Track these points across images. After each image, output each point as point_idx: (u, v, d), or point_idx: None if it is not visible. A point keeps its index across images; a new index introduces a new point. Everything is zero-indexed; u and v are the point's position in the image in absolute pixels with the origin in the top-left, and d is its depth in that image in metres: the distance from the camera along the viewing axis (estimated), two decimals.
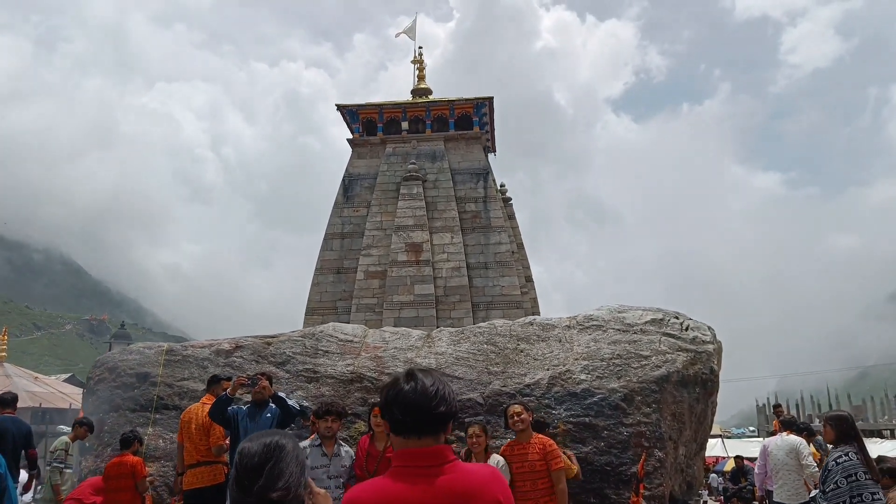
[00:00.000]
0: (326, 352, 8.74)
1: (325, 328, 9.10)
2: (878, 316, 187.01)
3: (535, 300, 23.89)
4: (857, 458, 4.83)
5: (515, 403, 6.12)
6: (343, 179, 23.00)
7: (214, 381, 7.40)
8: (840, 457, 4.90)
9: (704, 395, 8.86)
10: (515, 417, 5.86)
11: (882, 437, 30.86)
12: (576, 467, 7.05)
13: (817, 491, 5.25)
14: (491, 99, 23.69)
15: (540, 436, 6.06)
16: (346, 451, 6.03)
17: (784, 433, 8.13)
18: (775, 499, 8.22)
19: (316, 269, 22.04)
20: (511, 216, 24.68)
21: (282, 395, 6.51)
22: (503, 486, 2.07)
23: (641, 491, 7.94)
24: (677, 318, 9.39)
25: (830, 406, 48.50)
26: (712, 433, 14.29)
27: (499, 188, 24.56)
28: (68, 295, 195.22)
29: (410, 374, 2.14)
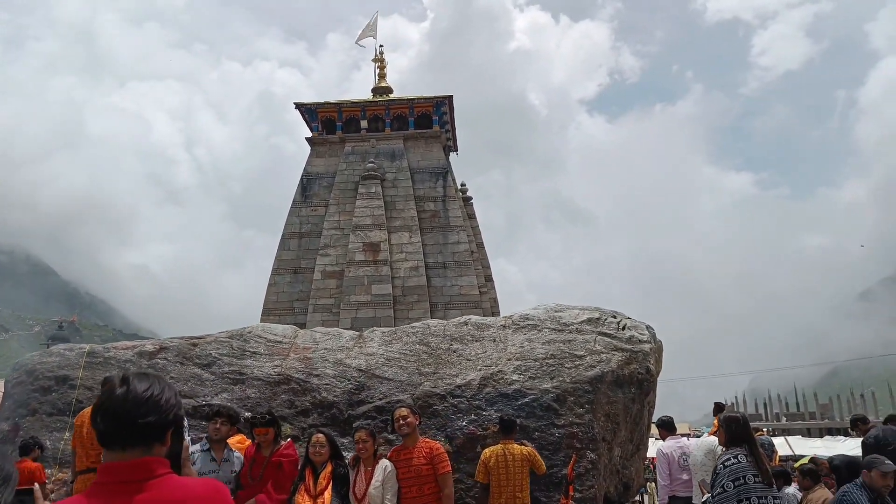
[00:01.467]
0: (254, 353, 8.52)
1: (253, 328, 8.87)
2: (848, 314, 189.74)
3: (494, 300, 23.78)
4: (747, 461, 4.71)
5: (402, 406, 5.95)
6: (301, 178, 22.73)
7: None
8: (728, 459, 4.78)
9: (640, 395, 8.76)
10: (401, 421, 5.70)
11: (848, 435, 31.15)
12: (543, 463, 7.05)
13: (709, 495, 5.12)
14: (450, 98, 23.55)
15: (427, 440, 5.93)
16: (237, 456, 5.82)
17: (705, 435, 8.08)
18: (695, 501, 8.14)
19: (273, 269, 21.76)
20: (471, 216, 24.55)
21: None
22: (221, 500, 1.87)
23: (571, 493, 7.81)
24: (615, 317, 9.28)
25: (798, 406, 48.96)
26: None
27: (459, 187, 24.43)
28: (37, 297, 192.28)
29: (124, 379, 1.88)
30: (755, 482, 4.60)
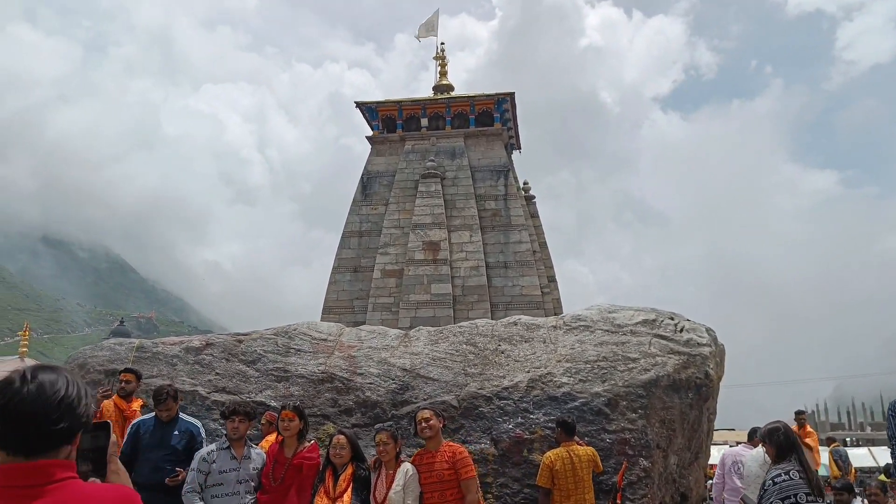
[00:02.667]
0: (299, 350, 8.43)
1: (299, 326, 8.80)
2: None
3: (558, 301, 23.35)
4: (799, 477, 4.32)
5: (425, 408, 5.72)
6: (361, 177, 22.77)
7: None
8: (778, 475, 4.40)
9: (699, 401, 8.32)
10: (423, 424, 5.47)
11: None
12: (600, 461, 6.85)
13: None
14: (512, 95, 23.23)
15: (450, 443, 5.69)
16: (258, 453, 5.70)
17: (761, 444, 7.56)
18: None
19: (333, 267, 21.86)
20: (534, 215, 24.16)
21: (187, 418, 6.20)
22: None
23: (619, 502, 7.46)
24: (672, 318, 8.86)
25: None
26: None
27: (521, 186, 24.08)
28: (118, 293, 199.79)
29: (30, 376, 1.63)
30: (808, 500, 4.22)
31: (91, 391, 1.73)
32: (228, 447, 5.54)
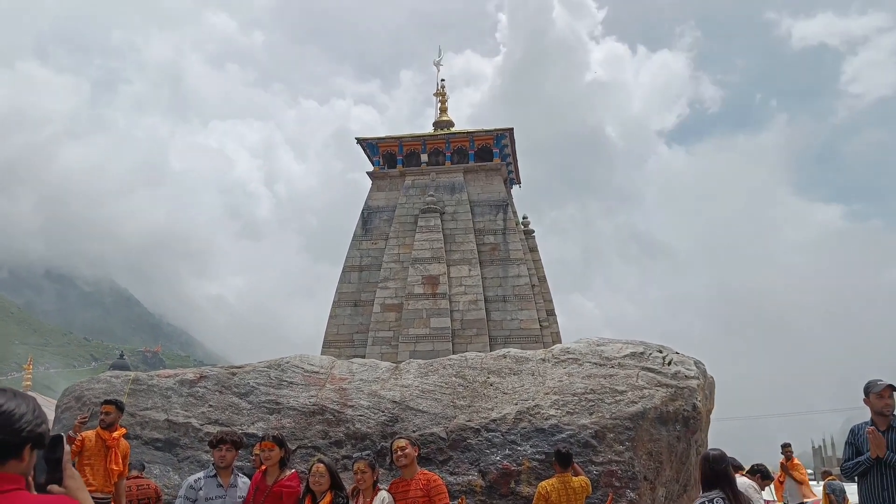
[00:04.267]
0: (291, 383, 8.57)
1: (291, 359, 8.94)
2: None
3: (557, 334, 23.39)
4: None
5: (400, 438, 5.85)
6: (362, 212, 23.03)
7: None
8: (702, 503, 4.50)
9: (686, 433, 8.40)
10: (399, 452, 5.60)
11: None
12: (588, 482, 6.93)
13: None
14: (511, 130, 23.56)
15: (425, 472, 5.81)
16: (244, 481, 5.83)
17: (739, 474, 7.54)
18: None
19: (334, 301, 22.01)
20: (533, 249, 24.32)
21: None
22: None
23: None
24: (660, 351, 8.97)
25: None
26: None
27: (520, 220, 24.29)
28: (124, 327, 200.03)
29: None
30: None
31: (41, 415, 1.89)
32: (215, 475, 5.68)
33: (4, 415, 1.80)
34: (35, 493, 1.84)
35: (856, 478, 5.69)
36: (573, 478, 6.81)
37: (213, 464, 5.83)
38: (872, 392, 5.49)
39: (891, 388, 5.45)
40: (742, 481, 7.28)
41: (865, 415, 5.74)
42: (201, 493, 5.52)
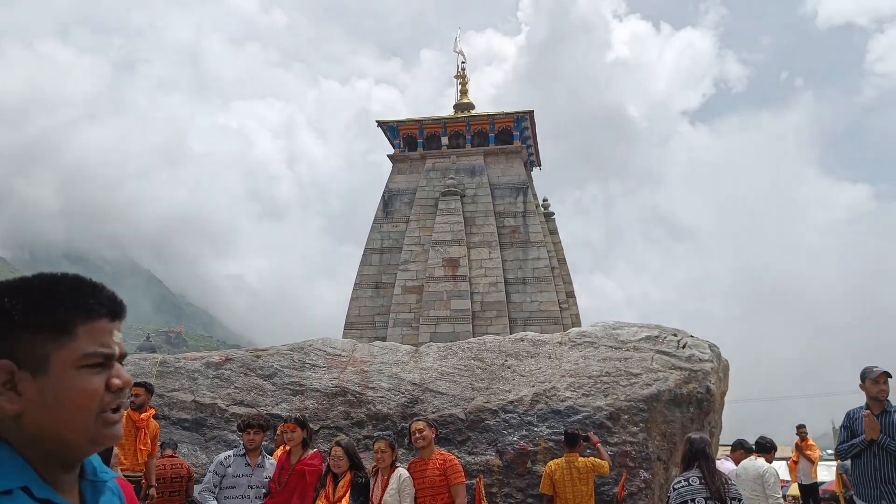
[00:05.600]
0: (313, 365, 8.82)
1: (314, 342, 9.19)
2: None
3: (576, 316, 23.54)
4: (699, 483, 4.57)
5: (419, 420, 6.06)
6: (383, 195, 23.23)
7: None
8: (679, 482, 4.68)
9: (700, 415, 8.55)
10: (417, 434, 5.82)
11: None
12: (606, 463, 7.00)
13: None
14: (531, 113, 23.58)
15: (442, 452, 6.02)
16: (272, 463, 6.12)
17: (753, 456, 7.64)
18: None
19: (355, 283, 22.28)
20: (553, 231, 24.43)
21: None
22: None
23: None
24: (675, 335, 9.12)
25: None
26: (781, 456, 13.67)
27: (540, 203, 24.38)
28: (147, 307, 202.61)
29: None
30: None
31: None
32: (244, 454, 5.98)
33: None
34: None
35: (850, 459, 5.89)
36: (579, 458, 6.97)
37: (243, 444, 6.11)
38: (868, 378, 5.68)
39: (886, 374, 5.64)
40: (760, 463, 7.35)
41: (892, 395, 5.91)
42: (230, 469, 5.82)
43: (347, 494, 5.22)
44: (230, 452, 6.10)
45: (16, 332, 1.12)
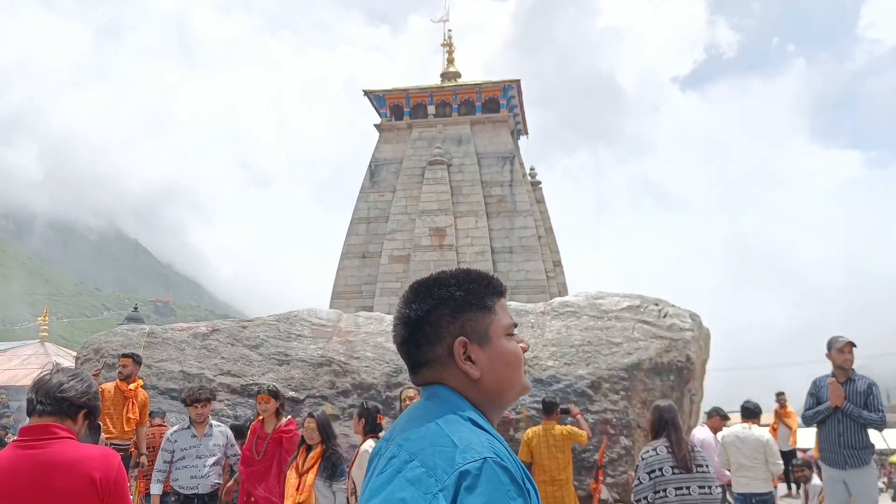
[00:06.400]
0: (299, 335, 8.91)
1: (299, 312, 9.27)
2: None
3: (563, 285, 23.69)
4: (667, 452, 4.66)
5: (409, 388, 6.16)
6: (369, 164, 23.18)
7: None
8: (646, 451, 4.77)
9: (680, 383, 8.72)
10: (408, 402, 5.91)
11: None
12: (584, 433, 7.12)
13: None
14: (518, 81, 23.50)
15: None
16: (220, 430, 6.40)
17: (748, 423, 7.69)
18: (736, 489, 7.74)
19: (342, 253, 22.31)
20: (540, 200, 24.48)
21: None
22: (107, 466, 2.24)
23: (601, 478, 7.90)
24: (657, 304, 9.25)
25: None
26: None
27: (527, 172, 24.41)
28: (135, 276, 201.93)
29: (55, 371, 2.50)
30: (673, 473, 4.59)
31: (95, 389, 2.55)
32: (189, 427, 6.29)
33: (76, 384, 2.45)
34: None
35: (816, 425, 6.09)
36: (556, 425, 7.10)
37: (188, 418, 6.32)
38: (834, 347, 5.88)
39: (850, 344, 5.84)
40: (760, 432, 7.47)
41: (877, 366, 6.07)
42: (177, 444, 6.18)
43: (316, 466, 5.32)
44: (176, 427, 6.47)
45: (465, 313, 1.45)
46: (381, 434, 5.77)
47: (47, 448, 2.29)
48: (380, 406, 6.63)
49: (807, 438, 14.67)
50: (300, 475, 5.29)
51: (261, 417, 6.09)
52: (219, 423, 6.55)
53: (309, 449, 5.50)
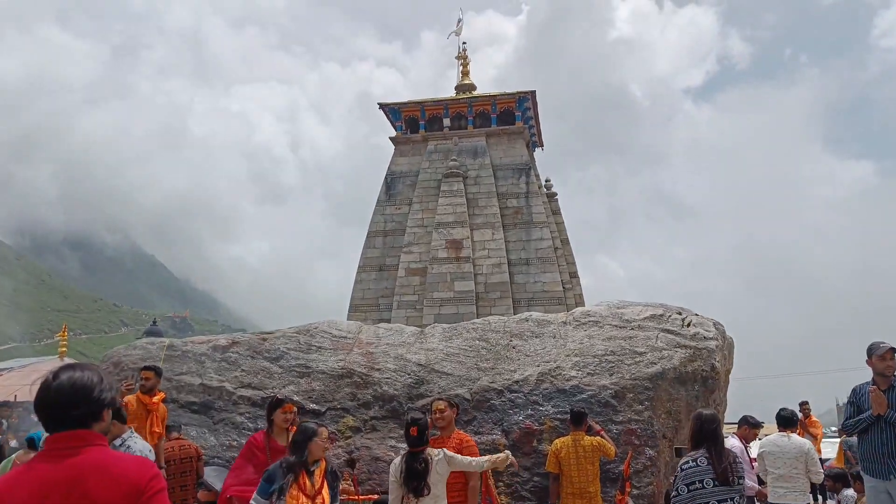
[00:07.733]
0: (319, 347, 8.87)
1: (320, 324, 9.23)
2: None
3: (580, 296, 23.57)
4: (707, 464, 4.55)
5: (440, 399, 6.11)
6: (385, 177, 23.22)
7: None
8: (686, 462, 4.64)
9: (705, 393, 8.59)
10: (438, 414, 5.88)
11: None
12: (612, 447, 7.09)
13: None
14: (533, 93, 23.50)
15: (460, 432, 6.06)
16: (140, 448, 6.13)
17: (786, 433, 7.56)
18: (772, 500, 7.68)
19: (359, 266, 22.32)
20: (556, 212, 24.41)
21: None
22: (142, 476, 2.16)
23: (628, 489, 7.77)
24: (680, 313, 9.14)
25: None
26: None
27: (543, 183, 24.35)
28: (151, 292, 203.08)
29: (55, 374, 2.24)
30: (714, 486, 4.47)
31: (107, 381, 2.32)
32: None
33: (84, 388, 2.22)
34: None
35: (857, 434, 5.94)
36: (585, 436, 7.02)
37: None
38: (875, 354, 5.74)
39: (892, 350, 5.68)
40: (800, 441, 7.33)
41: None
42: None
43: (325, 483, 4.86)
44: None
45: None
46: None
47: (84, 456, 2.16)
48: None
49: (828, 449, 14.49)
50: (310, 497, 4.61)
51: (264, 430, 5.96)
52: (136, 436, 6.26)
53: (303, 465, 4.96)
